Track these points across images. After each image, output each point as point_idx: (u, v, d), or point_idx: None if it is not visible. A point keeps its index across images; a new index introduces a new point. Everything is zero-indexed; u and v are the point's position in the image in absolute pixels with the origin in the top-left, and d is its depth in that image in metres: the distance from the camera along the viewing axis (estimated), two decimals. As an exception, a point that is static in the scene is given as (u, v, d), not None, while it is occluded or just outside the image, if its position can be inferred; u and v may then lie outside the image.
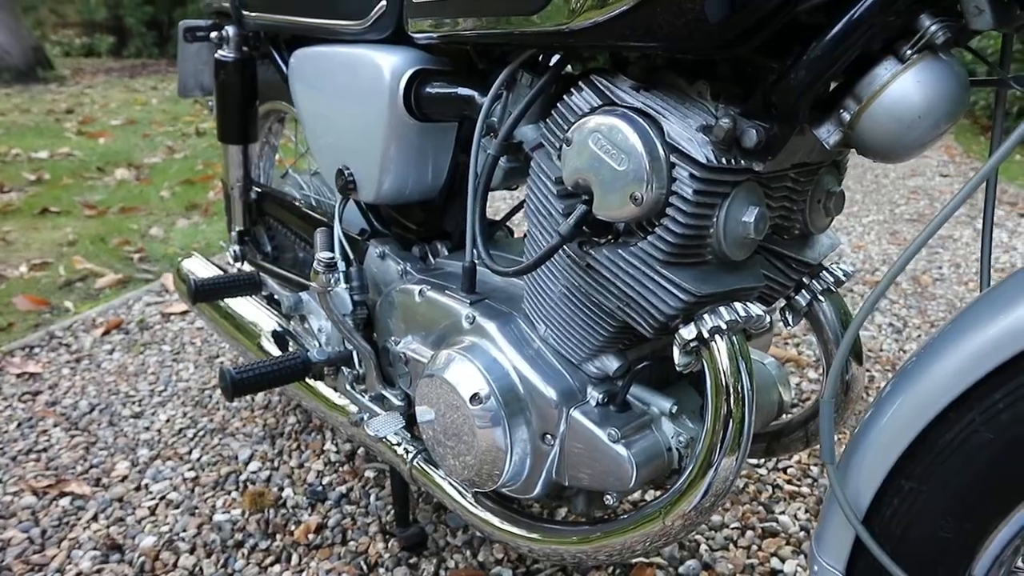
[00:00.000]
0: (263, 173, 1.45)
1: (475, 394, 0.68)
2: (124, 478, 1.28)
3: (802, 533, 1.13)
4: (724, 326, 0.57)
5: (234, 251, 1.29)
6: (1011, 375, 0.48)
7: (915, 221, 3.18)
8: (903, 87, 0.49)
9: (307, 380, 1.01)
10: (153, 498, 1.23)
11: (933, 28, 0.48)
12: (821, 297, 0.70)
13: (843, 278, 0.70)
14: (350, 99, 0.85)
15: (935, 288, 2.26)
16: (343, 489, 1.24)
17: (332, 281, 0.83)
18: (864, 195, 3.44)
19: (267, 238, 1.28)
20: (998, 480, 0.50)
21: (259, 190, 1.26)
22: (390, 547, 1.11)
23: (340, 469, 1.30)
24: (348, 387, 0.95)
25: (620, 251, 0.59)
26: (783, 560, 1.08)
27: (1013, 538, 0.50)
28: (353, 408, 0.95)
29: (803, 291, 0.70)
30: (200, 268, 1.39)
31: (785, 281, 0.68)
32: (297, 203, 1.20)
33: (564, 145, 0.60)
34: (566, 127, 0.61)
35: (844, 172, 0.68)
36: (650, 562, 1.05)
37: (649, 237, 0.57)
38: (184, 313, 1.98)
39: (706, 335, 0.57)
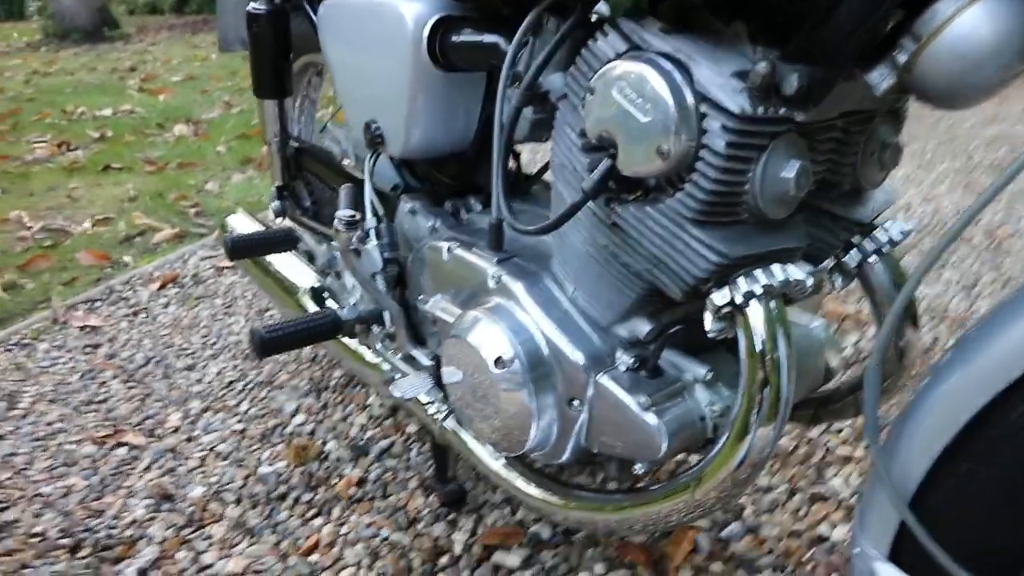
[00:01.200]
0: (303, 127, 1.43)
1: (499, 358, 0.66)
2: (176, 429, 1.33)
3: (853, 499, 1.08)
4: (760, 291, 0.53)
5: (274, 206, 1.29)
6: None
7: (994, 169, 2.96)
8: (970, 21, 0.43)
9: (342, 338, 1.00)
10: (203, 449, 1.26)
11: None
12: (873, 258, 0.65)
13: (898, 238, 0.64)
14: (375, 50, 0.82)
15: (1012, 242, 2.11)
16: (385, 444, 1.25)
17: (355, 239, 0.81)
18: (937, 143, 3.21)
19: (306, 193, 1.27)
20: None
21: (296, 145, 1.25)
22: (429, 502, 1.11)
23: (383, 424, 1.31)
24: (379, 345, 0.95)
25: (648, 208, 0.55)
26: (833, 526, 1.04)
27: None
28: (386, 366, 0.94)
29: (854, 251, 0.65)
30: (244, 224, 1.41)
31: (833, 240, 0.62)
32: (333, 158, 1.19)
33: (587, 94, 0.56)
34: (590, 75, 0.56)
35: (903, 121, 0.61)
36: (692, 525, 1.03)
37: (678, 194, 0.53)
38: (235, 267, 2.02)
39: (740, 300, 0.53)
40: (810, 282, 0.55)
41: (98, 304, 1.83)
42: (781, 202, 0.53)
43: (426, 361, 0.87)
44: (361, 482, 1.17)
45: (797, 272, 0.54)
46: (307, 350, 1.56)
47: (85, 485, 1.18)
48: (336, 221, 0.81)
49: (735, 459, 0.59)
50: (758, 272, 0.53)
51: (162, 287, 1.91)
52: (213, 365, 1.54)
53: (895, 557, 0.52)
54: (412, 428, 1.29)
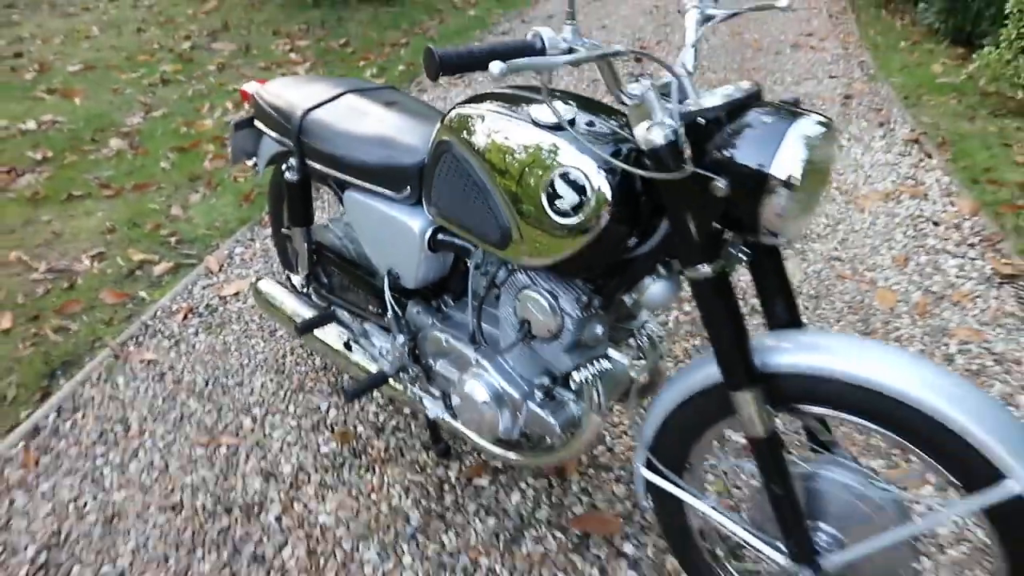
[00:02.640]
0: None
1: (484, 400, 1.45)
2: (252, 430, 2.04)
3: (664, 424, 1.96)
4: (591, 378, 1.34)
5: (302, 284, 1.99)
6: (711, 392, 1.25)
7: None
8: (655, 291, 1.22)
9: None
10: (278, 442, 2.00)
11: (672, 266, 1.21)
12: (642, 341, 1.46)
13: (654, 332, 1.46)
14: (393, 239, 1.53)
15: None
16: (393, 422, 2.03)
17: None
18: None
19: (324, 275, 1.97)
20: (701, 426, 1.29)
21: (315, 246, 1.93)
22: (430, 456, 1.91)
23: (387, 409, 2.08)
24: (408, 384, 1.71)
25: (543, 343, 1.34)
26: (652, 441, 1.91)
27: (707, 443, 1.31)
28: (409, 394, 1.72)
29: (632, 337, 1.46)
30: (271, 287, 2.08)
31: (623, 335, 1.44)
32: (341, 252, 1.89)
33: (516, 300, 1.33)
34: (513, 290, 1.34)
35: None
36: (578, 451, 1.89)
37: (555, 341, 1.32)
38: (236, 294, 2.65)
39: (583, 381, 1.34)
40: (615, 366, 1.36)
41: (142, 339, 2.44)
42: (597, 341, 1.32)
43: (437, 394, 1.65)
44: (386, 449, 1.95)
45: (608, 364, 1.35)
46: (317, 360, 2.28)
47: (212, 475, 1.90)
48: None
49: (586, 436, 1.41)
50: (591, 366, 1.34)
51: (185, 318, 2.54)
52: (256, 380, 2.23)
53: (649, 467, 1.36)
54: (407, 410, 2.07)
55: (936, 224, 2.95)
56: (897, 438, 1.08)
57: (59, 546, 1.73)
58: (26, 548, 1.72)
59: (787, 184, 0.97)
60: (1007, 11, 4.10)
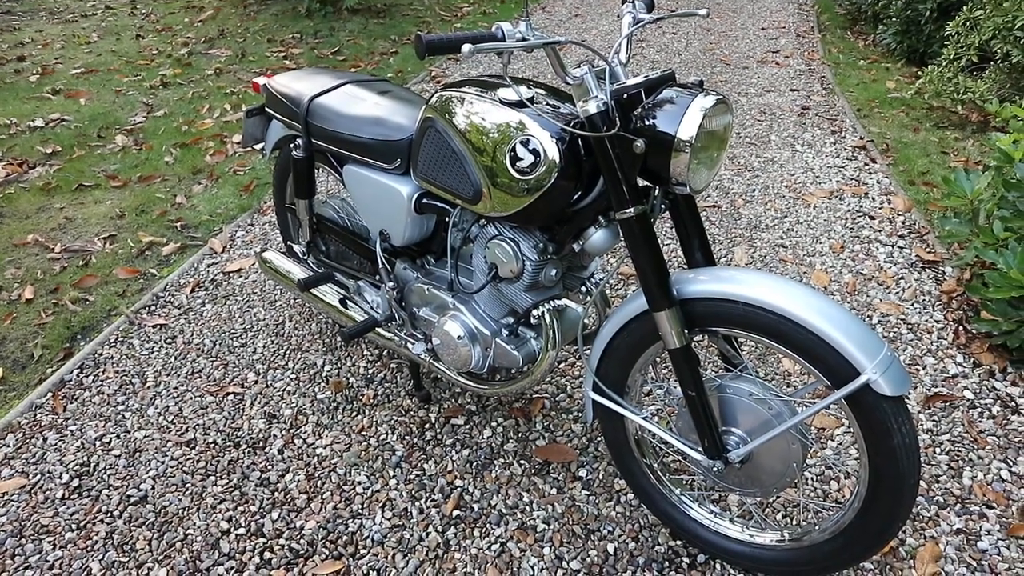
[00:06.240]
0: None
1: (459, 335, 1.73)
2: (256, 382, 2.31)
3: (618, 377, 2.26)
4: (548, 315, 1.62)
5: (302, 251, 2.26)
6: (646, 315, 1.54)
7: (754, 144, 4.21)
8: (597, 238, 1.51)
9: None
10: (279, 392, 2.26)
11: (612, 216, 1.50)
12: (593, 289, 1.75)
13: (600, 280, 1.75)
14: (385, 203, 1.82)
15: (744, 209, 3.36)
16: (381, 375, 2.30)
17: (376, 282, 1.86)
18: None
19: (323, 241, 2.25)
20: (635, 350, 1.57)
21: (316, 217, 2.21)
22: (414, 402, 2.19)
23: (376, 364, 2.35)
24: (395, 331, 1.99)
25: (509, 284, 1.63)
26: (607, 390, 2.20)
27: (642, 366, 1.59)
28: (397, 340, 1.99)
29: (583, 285, 1.75)
30: (275, 257, 2.36)
31: (574, 283, 1.73)
32: (340, 226, 2.17)
33: (485, 247, 1.62)
34: (485, 239, 1.62)
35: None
36: (540, 396, 2.17)
37: (518, 282, 1.61)
38: (239, 271, 2.92)
39: (541, 315, 1.63)
40: (566, 305, 1.64)
41: (154, 308, 2.70)
42: (552, 282, 1.61)
43: (420, 336, 1.92)
44: (375, 396, 2.22)
45: (562, 303, 1.63)
46: (315, 327, 2.55)
47: (221, 417, 2.16)
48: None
49: (544, 366, 1.70)
50: (548, 304, 1.62)
51: (192, 291, 2.80)
52: (258, 341, 2.50)
53: (595, 390, 1.65)
54: (393, 364, 2.34)
55: (872, 218, 3.28)
56: (785, 349, 1.37)
57: (89, 474, 1.98)
58: (60, 476, 1.98)
59: (688, 144, 1.27)
60: (946, 33, 4.49)
